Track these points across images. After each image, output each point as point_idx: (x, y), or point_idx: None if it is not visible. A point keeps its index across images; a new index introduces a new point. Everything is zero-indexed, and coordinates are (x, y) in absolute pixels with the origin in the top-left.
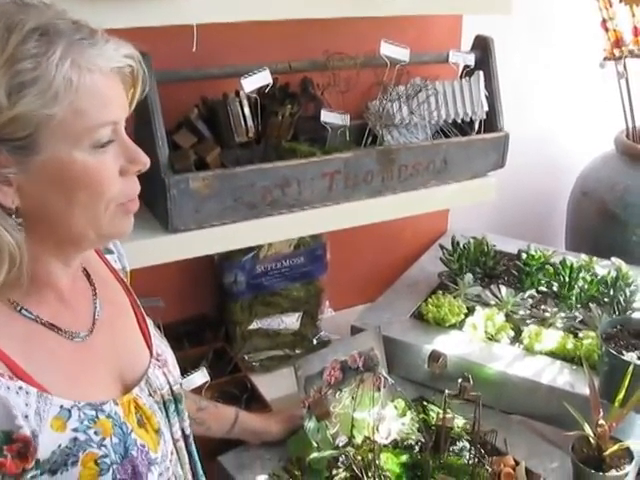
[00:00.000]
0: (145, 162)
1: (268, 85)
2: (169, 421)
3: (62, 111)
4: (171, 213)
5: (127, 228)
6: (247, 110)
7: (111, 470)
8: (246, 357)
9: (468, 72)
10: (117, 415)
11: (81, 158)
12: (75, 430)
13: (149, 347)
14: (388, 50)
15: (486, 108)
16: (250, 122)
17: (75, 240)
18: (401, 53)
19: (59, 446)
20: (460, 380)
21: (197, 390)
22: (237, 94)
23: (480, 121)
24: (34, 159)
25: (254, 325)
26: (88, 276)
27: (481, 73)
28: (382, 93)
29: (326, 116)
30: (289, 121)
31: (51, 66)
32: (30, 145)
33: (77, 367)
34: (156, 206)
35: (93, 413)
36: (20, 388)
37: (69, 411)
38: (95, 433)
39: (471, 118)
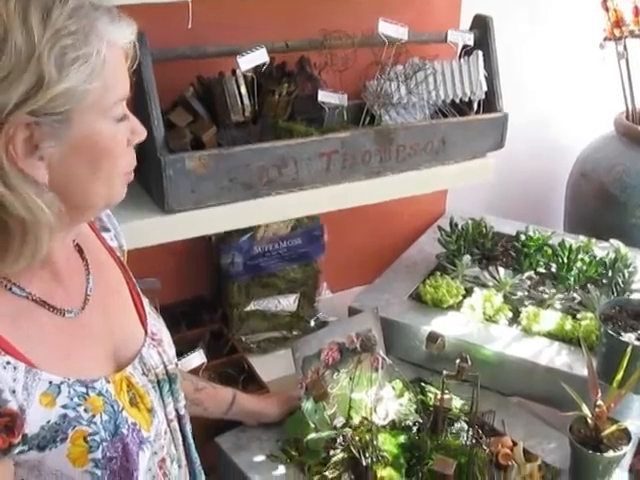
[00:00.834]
0: (144, 133)
1: (265, 64)
2: (163, 401)
3: (98, 86)
4: (167, 193)
5: (122, 196)
6: (243, 89)
7: (101, 448)
8: (243, 339)
9: (467, 52)
10: (108, 393)
11: (107, 130)
12: (64, 407)
13: (144, 326)
14: (386, 29)
15: (485, 88)
16: (246, 101)
17: (86, 210)
18: (399, 32)
19: (48, 422)
20: (458, 360)
21: (194, 371)
22: (233, 73)
23: (479, 101)
24: (68, 132)
25: (251, 307)
26: (81, 252)
27: (480, 53)
28: (380, 72)
29: (323, 96)
30: (286, 100)
31: (89, 42)
32: (66, 119)
33: (68, 343)
34: (152, 186)
35: (83, 390)
36: (8, 363)
37: (58, 387)
38: (85, 410)
39: (470, 98)
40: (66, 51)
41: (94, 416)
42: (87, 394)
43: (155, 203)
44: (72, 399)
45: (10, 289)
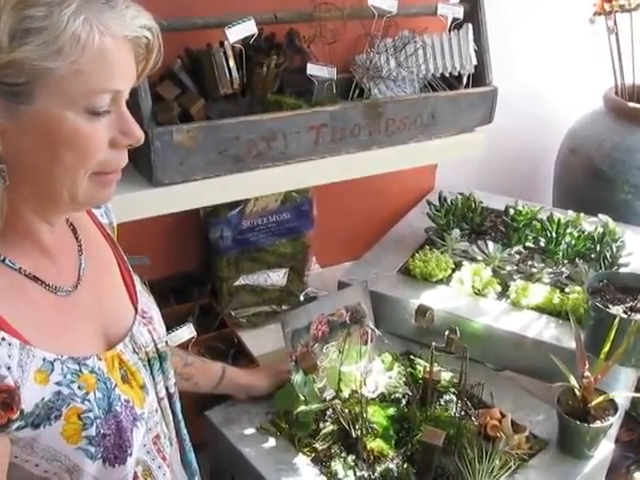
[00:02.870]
0: (139, 137)
1: (253, 35)
2: (154, 379)
3: (63, 68)
4: (155, 166)
5: (104, 198)
6: (232, 61)
7: (95, 425)
8: (233, 313)
9: (457, 25)
10: (100, 370)
11: (72, 119)
12: (58, 384)
13: (134, 304)
14: (376, 1)
15: (475, 62)
16: (235, 73)
17: (52, 199)
18: (389, 4)
19: (42, 399)
20: (447, 332)
21: (184, 346)
22: (221, 45)
23: (468, 75)
24: (25, 108)
25: (240, 281)
26: (74, 231)
27: (470, 26)
28: (369, 46)
29: (312, 69)
30: (275, 73)
31: (62, 18)
32: (24, 93)
33: (60, 321)
34: (140, 159)
35: (76, 367)
36: (3, 339)
37: (52, 364)
38: (79, 387)
39: (459, 72)
40: (27, 21)
41: (87, 393)
42: (80, 371)
43: (143, 176)
44: (65, 376)
45: (3, 260)
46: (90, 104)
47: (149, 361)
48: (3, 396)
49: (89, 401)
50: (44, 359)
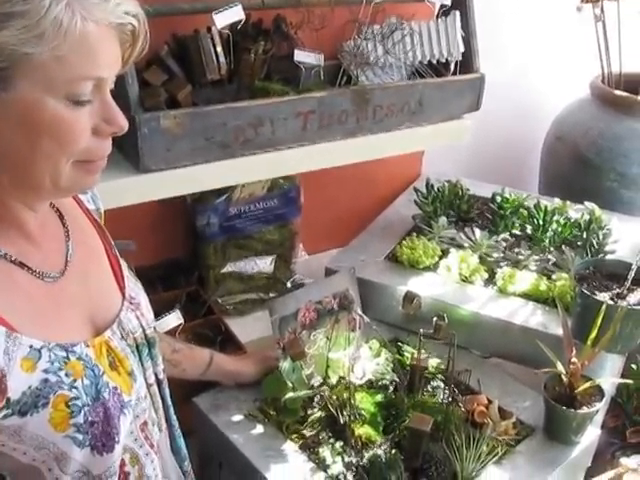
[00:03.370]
0: (122, 125)
1: (241, 21)
2: (142, 365)
3: (44, 53)
4: (142, 152)
5: (88, 185)
6: (219, 47)
7: (82, 412)
8: (220, 300)
9: (444, 12)
10: (88, 357)
11: (52, 106)
12: (45, 371)
13: (122, 290)
14: None
15: (462, 49)
16: (222, 59)
17: (34, 187)
18: None
19: (29, 387)
20: (435, 318)
21: (171, 332)
22: (209, 30)
23: (456, 62)
24: (5, 95)
25: (227, 268)
26: (61, 217)
27: (457, 13)
28: (357, 32)
29: (299, 55)
30: (262, 59)
31: (44, 3)
32: (4, 79)
33: (47, 307)
34: (126, 145)
35: (64, 354)
36: None
37: (39, 351)
38: (66, 375)
39: (447, 59)
40: (7, 5)
41: (75, 380)
42: (67, 358)
43: (130, 162)
44: (53, 363)
45: None
46: (72, 91)
47: (137, 347)
48: None
49: (77, 388)
50: (31, 346)
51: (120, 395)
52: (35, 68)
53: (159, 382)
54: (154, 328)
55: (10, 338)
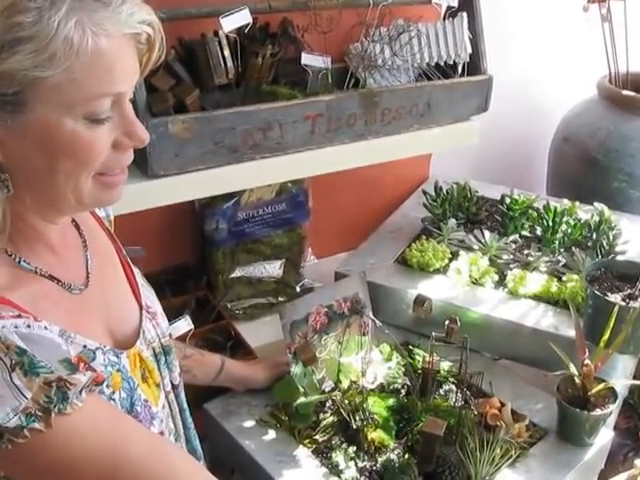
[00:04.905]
0: (144, 139)
1: (248, 25)
2: (160, 374)
3: (57, 75)
4: (150, 158)
5: (111, 200)
6: (226, 51)
7: None
8: (229, 305)
9: (451, 13)
10: (125, 369)
11: (71, 127)
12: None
13: (137, 299)
14: None
15: (470, 50)
16: (230, 63)
17: (56, 204)
18: None
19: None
20: (447, 322)
21: (181, 338)
22: (216, 34)
23: (463, 64)
24: (21, 117)
25: (236, 273)
26: (77, 227)
27: (465, 14)
28: (364, 34)
29: (307, 59)
30: (270, 62)
31: (52, 24)
32: (18, 102)
33: (76, 319)
34: (134, 151)
35: (116, 359)
36: (45, 327)
37: (94, 352)
38: (107, 386)
39: (454, 61)
40: (16, 29)
41: (114, 392)
42: (118, 364)
43: (138, 168)
44: (106, 367)
45: (19, 262)
46: (89, 110)
47: (156, 357)
48: (82, 364)
49: (114, 400)
50: (85, 346)
51: (150, 407)
52: (49, 90)
53: (174, 387)
54: (170, 336)
55: (64, 337)
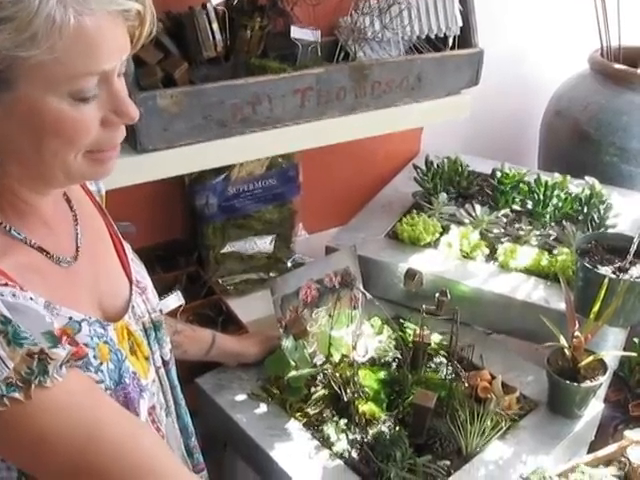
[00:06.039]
0: (133, 116)
1: None
2: (151, 349)
3: (40, 54)
4: (139, 132)
5: (101, 174)
6: (215, 24)
7: None
8: (220, 281)
9: None
10: (112, 341)
11: (56, 106)
12: (86, 345)
13: (127, 274)
14: None
15: (460, 23)
16: (218, 36)
17: (45, 179)
18: None
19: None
20: (437, 294)
21: (172, 314)
22: (203, 7)
23: (454, 37)
24: (5, 96)
25: (227, 248)
26: (69, 201)
27: None
28: (354, 7)
29: (296, 32)
30: (259, 35)
31: (33, 3)
32: (2, 81)
33: (65, 292)
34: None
35: (102, 331)
36: (31, 298)
37: (79, 324)
38: (94, 357)
39: (445, 34)
40: None
41: (101, 364)
42: (104, 336)
43: (127, 142)
44: (92, 339)
45: (9, 230)
46: (74, 89)
47: (145, 331)
48: (65, 337)
49: (102, 372)
50: (70, 318)
51: (139, 380)
52: (33, 69)
53: (165, 363)
54: (160, 312)
55: (49, 308)
